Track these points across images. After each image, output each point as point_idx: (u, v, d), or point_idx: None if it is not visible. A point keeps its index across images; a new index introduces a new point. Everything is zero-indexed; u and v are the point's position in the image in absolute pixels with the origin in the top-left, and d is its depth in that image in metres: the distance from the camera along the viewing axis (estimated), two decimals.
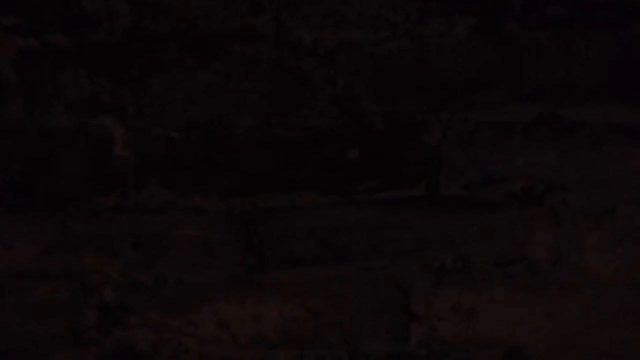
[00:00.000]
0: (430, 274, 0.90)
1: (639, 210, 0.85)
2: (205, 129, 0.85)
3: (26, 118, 0.87)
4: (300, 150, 0.86)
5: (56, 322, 0.95)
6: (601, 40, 0.79)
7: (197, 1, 0.80)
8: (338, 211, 0.88)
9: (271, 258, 0.91)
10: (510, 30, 0.80)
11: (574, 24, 0.79)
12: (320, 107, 0.84)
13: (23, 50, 0.84)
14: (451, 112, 0.83)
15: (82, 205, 0.90)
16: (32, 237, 0.92)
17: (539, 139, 0.83)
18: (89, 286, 0.94)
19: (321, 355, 0.94)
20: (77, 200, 0.90)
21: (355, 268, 0.91)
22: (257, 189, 0.88)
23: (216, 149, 0.86)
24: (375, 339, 0.93)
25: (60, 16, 0.83)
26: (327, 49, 0.82)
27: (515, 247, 0.87)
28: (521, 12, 0.79)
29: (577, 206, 0.85)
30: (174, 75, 0.84)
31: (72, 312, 0.95)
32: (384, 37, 0.81)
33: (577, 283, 0.88)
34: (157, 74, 0.84)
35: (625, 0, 0.77)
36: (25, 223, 0.92)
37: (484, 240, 0.87)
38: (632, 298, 0.88)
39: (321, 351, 0.94)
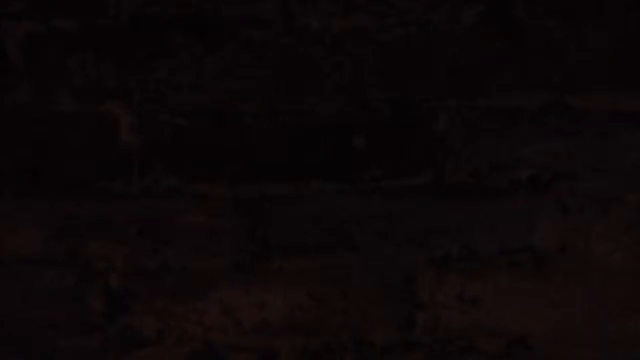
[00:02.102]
0: (436, 262, 0.90)
1: None
2: (212, 115, 0.86)
3: (33, 103, 0.87)
4: (306, 138, 0.86)
5: (61, 308, 0.95)
6: (609, 28, 0.79)
7: None
8: (344, 199, 0.88)
9: (276, 245, 0.91)
10: (518, 18, 0.79)
11: (581, 12, 0.78)
12: (327, 94, 0.84)
13: (30, 35, 0.84)
14: (458, 100, 0.83)
15: (88, 190, 0.90)
16: (38, 222, 0.92)
17: (546, 127, 0.82)
18: (94, 272, 0.94)
19: (326, 342, 0.94)
20: (83, 185, 0.90)
21: (360, 256, 0.91)
22: (263, 176, 0.88)
23: (222, 136, 0.86)
24: (380, 327, 0.93)
25: (67, 1, 0.83)
26: (334, 36, 0.82)
27: (521, 235, 0.87)
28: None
29: (584, 194, 0.85)
30: (180, 61, 0.84)
31: (77, 298, 0.95)
32: (391, 24, 0.81)
33: (583, 272, 0.88)
34: (164, 60, 0.84)
35: None
36: (30, 208, 0.92)
37: (490, 228, 0.87)
38: (638, 287, 0.88)
39: (326, 339, 0.94)
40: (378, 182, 0.87)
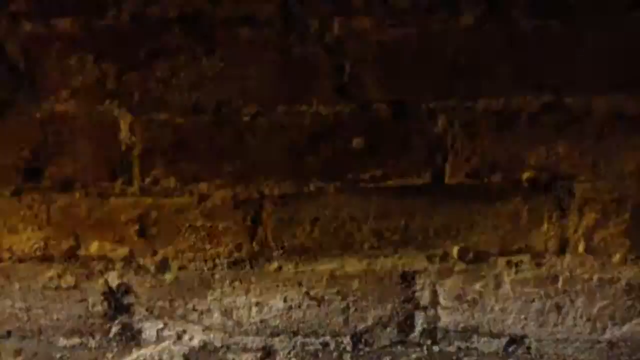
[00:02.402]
0: (435, 262, 0.90)
1: None
2: (211, 115, 0.86)
3: (34, 103, 0.87)
4: (306, 138, 0.86)
5: (61, 308, 0.95)
6: (609, 28, 0.79)
7: None
8: (343, 199, 0.88)
9: (276, 245, 0.91)
10: (517, 19, 0.79)
11: (581, 11, 0.78)
12: (326, 95, 0.84)
13: (31, 35, 0.85)
14: (457, 101, 0.83)
15: (88, 190, 0.90)
16: (38, 221, 0.92)
17: (545, 128, 0.82)
18: (93, 272, 0.94)
19: (325, 343, 0.94)
20: (83, 185, 0.90)
21: (359, 256, 0.91)
22: (262, 176, 0.88)
23: (222, 136, 0.86)
24: (379, 328, 0.93)
25: (67, 1, 0.83)
26: (334, 37, 0.82)
27: (520, 236, 0.87)
28: (528, 0, 0.78)
29: (583, 196, 0.85)
30: (179, 61, 0.84)
31: (76, 297, 0.95)
32: (390, 25, 0.81)
33: (582, 274, 0.88)
34: (163, 60, 0.84)
35: None
36: (31, 208, 0.92)
37: (489, 229, 0.87)
38: (637, 290, 0.88)
39: (325, 339, 0.94)
40: (377, 182, 0.87)
